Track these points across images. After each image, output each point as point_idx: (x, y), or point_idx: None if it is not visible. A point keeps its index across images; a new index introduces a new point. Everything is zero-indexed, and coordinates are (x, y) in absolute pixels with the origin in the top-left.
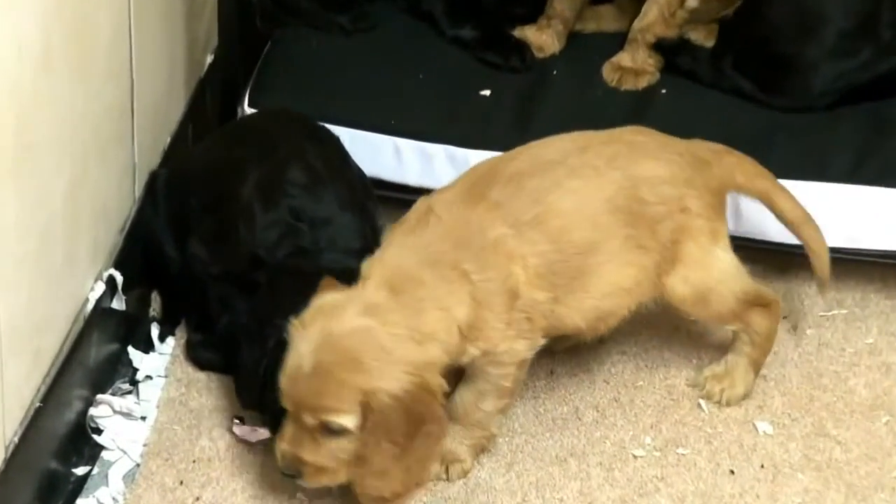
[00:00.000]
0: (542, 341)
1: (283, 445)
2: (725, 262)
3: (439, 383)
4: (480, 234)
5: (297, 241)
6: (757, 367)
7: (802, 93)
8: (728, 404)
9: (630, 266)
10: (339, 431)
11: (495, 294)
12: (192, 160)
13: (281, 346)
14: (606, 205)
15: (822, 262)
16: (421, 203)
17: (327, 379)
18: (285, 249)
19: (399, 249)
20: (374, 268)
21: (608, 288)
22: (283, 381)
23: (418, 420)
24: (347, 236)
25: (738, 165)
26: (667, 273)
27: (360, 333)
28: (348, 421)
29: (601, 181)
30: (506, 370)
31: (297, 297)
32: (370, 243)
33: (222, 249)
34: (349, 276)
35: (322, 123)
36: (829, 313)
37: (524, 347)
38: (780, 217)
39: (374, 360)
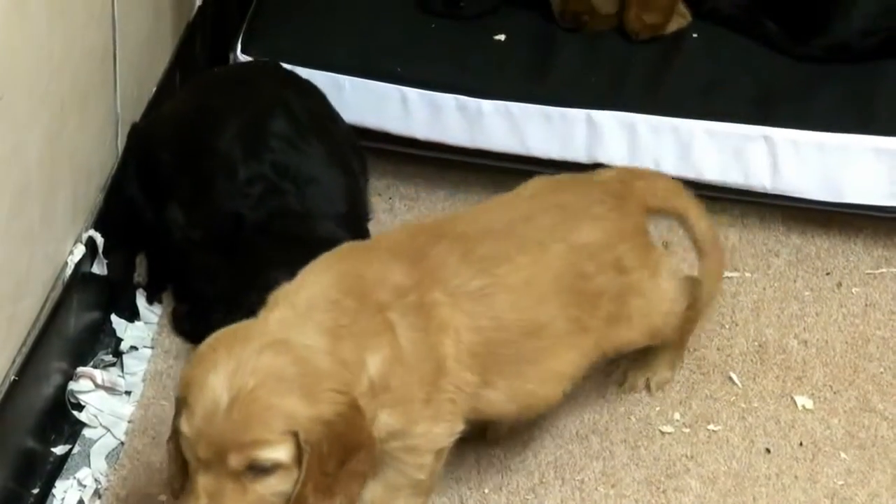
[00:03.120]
0: (462, 427)
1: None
2: (670, 291)
3: (366, 403)
4: (416, 290)
5: (282, 200)
6: (681, 347)
7: (843, 29)
8: (658, 389)
9: (572, 350)
10: (270, 469)
11: (422, 359)
12: (164, 114)
13: None
14: (555, 284)
15: (712, 289)
16: (351, 245)
17: (252, 407)
18: (268, 209)
19: (322, 274)
20: (289, 290)
21: (547, 374)
22: (194, 425)
23: (353, 447)
24: (334, 199)
25: (647, 189)
26: (611, 338)
27: (280, 351)
28: (281, 453)
29: (548, 257)
30: (422, 459)
31: (281, 262)
32: (356, 208)
33: (201, 210)
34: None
35: (312, 73)
36: (877, 271)
37: (444, 432)
38: (691, 236)
39: (301, 378)
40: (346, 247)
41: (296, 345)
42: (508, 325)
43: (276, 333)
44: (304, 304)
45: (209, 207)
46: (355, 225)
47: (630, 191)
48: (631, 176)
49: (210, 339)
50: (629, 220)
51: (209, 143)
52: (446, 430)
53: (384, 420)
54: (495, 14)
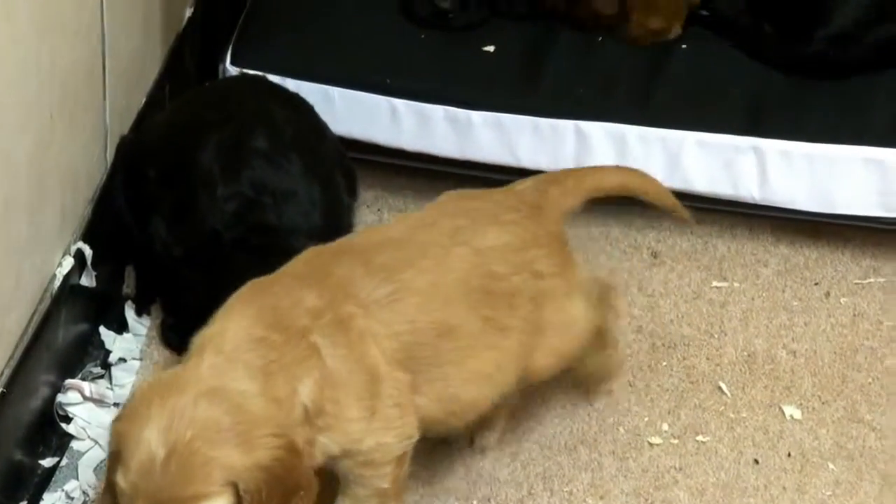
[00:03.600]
0: (417, 431)
1: None
2: (582, 309)
3: (302, 440)
4: (331, 308)
5: (260, 216)
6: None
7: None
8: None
9: (491, 349)
10: None
11: (352, 374)
12: (152, 128)
13: None
14: (461, 286)
15: (670, 202)
16: (256, 281)
17: (190, 461)
18: (246, 224)
19: (242, 314)
20: (213, 334)
21: (468, 375)
22: (130, 480)
23: (292, 489)
24: (311, 213)
25: (561, 191)
26: (535, 347)
27: (214, 401)
28: None
29: (451, 260)
30: (381, 470)
31: (256, 276)
32: (334, 222)
33: (182, 226)
34: None
35: (301, 85)
36: (865, 281)
37: (396, 440)
38: (612, 192)
39: (237, 426)
40: (253, 284)
41: (229, 391)
42: (422, 328)
43: (209, 381)
44: (230, 346)
45: (190, 223)
46: (333, 239)
47: (546, 199)
48: (546, 183)
49: (140, 390)
50: (544, 228)
51: (191, 159)
52: (398, 438)
53: (326, 444)
54: (484, 25)
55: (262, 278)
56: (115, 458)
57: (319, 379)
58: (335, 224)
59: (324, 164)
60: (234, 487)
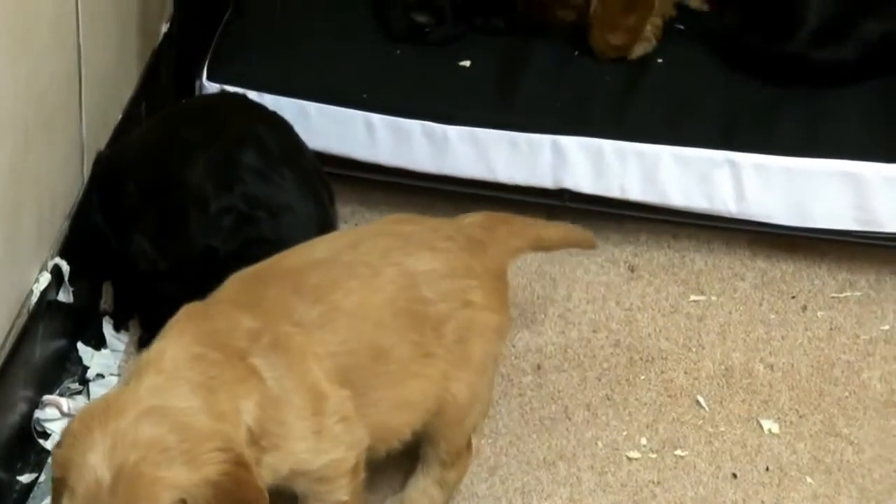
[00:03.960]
0: (367, 439)
1: None
2: (493, 369)
3: (249, 454)
4: (267, 330)
5: (256, 230)
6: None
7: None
8: None
9: (418, 378)
10: None
11: (294, 393)
12: (130, 143)
13: None
14: (389, 308)
15: (590, 241)
16: (191, 306)
17: (138, 483)
18: (241, 238)
19: (180, 336)
20: (151, 357)
21: (397, 402)
22: None
23: (244, 503)
24: (308, 227)
25: (510, 233)
26: (452, 378)
27: (157, 419)
28: None
29: (379, 280)
30: (336, 484)
31: None
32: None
33: (170, 242)
34: None
35: (278, 100)
36: (842, 295)
37: (346, 455)
38: (552, 246)
39: (182, 444)
40: (188, 309)
41: (171, 409)
42: (356, 350)
43: (150, 400)
44: (170, 365)
45: (179, 239)
46: None
47: (492, 236)
48: (494, 222)
49: (81, 415)
50: (481, 263)
51: (179, 177)
52: (348, 452)
53: (273, 464)
54: (460, 40)
55: (196, 303)
56: (60, 485)
57: (261, 400)
58: (312, 228)
59: (310, 178)
60: None
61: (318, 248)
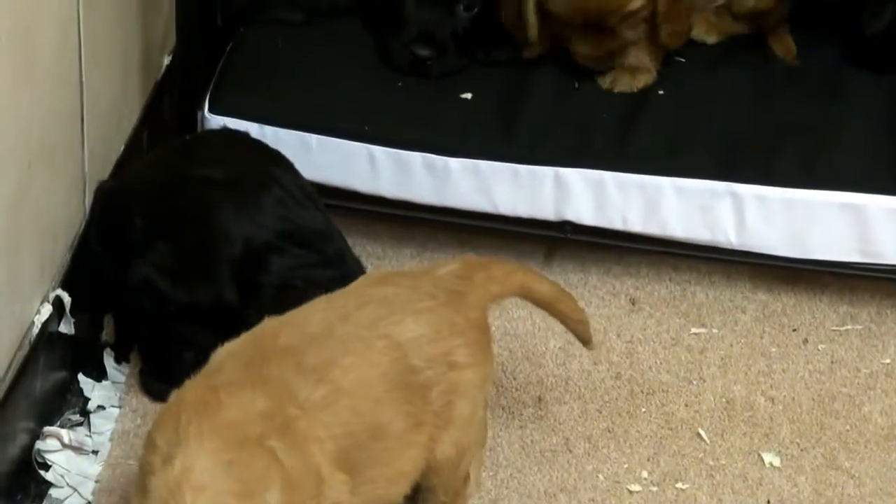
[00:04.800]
0: None
1: None
2: (483, 411)
3: None
4: (279, 411)
5: (291, 260)
6: None
7: None
8: None
9: (411, 447)
10: None
11: (302, 475)
12: (134, 176)
13: None
14: (384, 382)
15: (584, 328)
16: (196, 386)
17: None
18: (280, 269)
19: (201, 446)
20: (179, 475)
21: (394, 476)
22: None
23: None
24: (345, 251)
25: (488, 278)
26: (438, 440)
27: None
28: None
29: (372, 355)
30: None
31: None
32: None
33: (190, 279)
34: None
35: (279, 132)
36: (843, 328)
37: None
38: (538, 301)
39: None
40: (191, 400)
41: None
42: (356, 431)
43: None
44: (208, 480)
45: (203, 278)
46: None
47: (469, 285)
48: (471, 269)
49: None
50: (463, 315)
51: (204, 217)
52: None
53: None
54: (462, 73)
55: (195, 388)
56: None
57: (282, 484)
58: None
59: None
60: None
61: (311, 322)
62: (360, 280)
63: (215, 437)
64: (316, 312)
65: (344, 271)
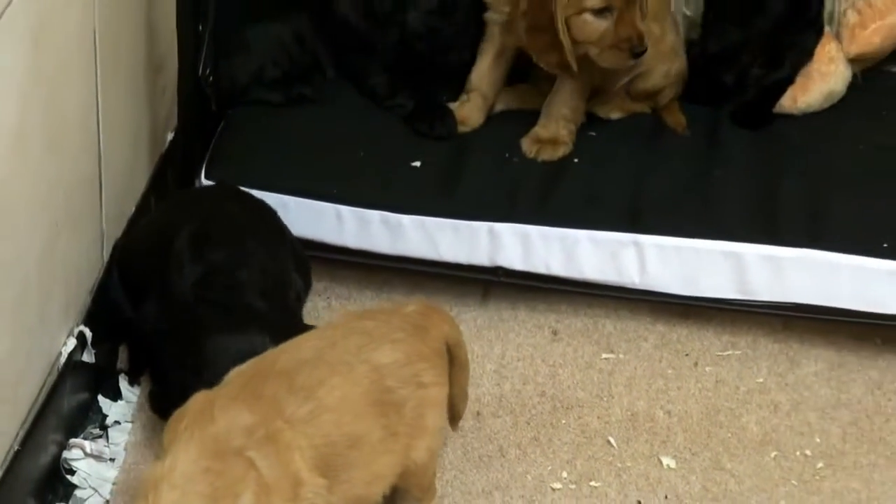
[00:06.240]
0: None
1: None
2: (445, 415)
3: None
4: (262, 425)
5: (225, 281)
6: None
7: None
8: None
9: (387, 454)
10: None
11: (279, 479)
12: (139, 230)
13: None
14: (364, 398)
15: (461, 407)
16: (201, 398)
17: None
18: (212, 291)
19: (188, 448)
20: (165, 471)
21: (370, 478)
22: None
23: None
24: (264, 279)
25: (441, 320)
26: (413, 447)
27: None
28: None
29: (355, 376)
30: None
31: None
32: (281, 287)
33: (163, 303)
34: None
35: (264, 194)
36: (725, 353)
37: None
38: (457, 357)
39: None
40: (195, 408)
41: None
42: (336, 441)
43: None
44: (181, 481)
45: (168, 300)
46: (279, 299)
47: (430, 322)
48: (430, 310)
49: None
50: (427, 345)
51: (167, 250)
52: None
53: None
54: (416, 140)
55: (203, 397)
56: None
57: (256, 489)
58: (280, 288)
59: (273, 248)
60: None
61: (304, 349)
62: (344, 315)
63: (200, 446)
64: (309, 341)
65: (244, 298)
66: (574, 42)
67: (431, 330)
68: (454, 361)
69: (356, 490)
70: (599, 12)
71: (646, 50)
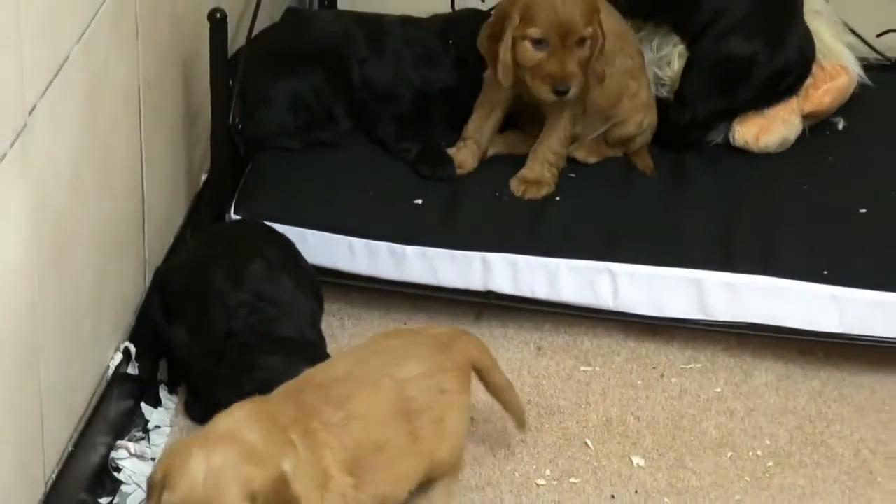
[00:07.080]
0: None
1: None
2: (468, 418)
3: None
4: (303, 420)
5: (261, 315)
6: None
7: None
8: None
9: (411, 457)
10: None
11: (312, 467)
12: (176, 260)
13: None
14: (389, 409)
15: (521, 416)
16: (254, 398)
17: (221, 476)
18: (252, 320)
19: (240, 408)
20: (223, 414)
21: (396, 478)
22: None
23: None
24: (301, 314)
25: (469, 343)
26: (438, 449)
27: (229, 440)
28: None
29: (380, 389)
30: None
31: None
32: (316, 322)
33: (200, 329)
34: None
35: (285, 228)
36: (688, 366)
37: None
38: (491, 387)
39: (252, 455)
40: (251, 400)
41: (242, 438)
42: (364, 446)
43: (226, 433)
44: (238, 414)
45: (206, 328)
46: (314, 327)
47: (456, 342)
48: (457, 332)
49: (178, 443)
50: (452, 361)
51: (205, 282)
52: None
53: None
54: (420, 181)
55: (257, 398)
56: (160, 483)
57: (296, 463)
58: (312, 319)
59: (303, 284)
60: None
61: (337, 366)
62: (375, 335)
63: (256, 407)
64: (341, 360)
65: (277, 330)
66: (516, 64)
67: (455, 349)
68: (489, 386)
69: (382, 489)
70: (536, 42)
71: (569, 90)
